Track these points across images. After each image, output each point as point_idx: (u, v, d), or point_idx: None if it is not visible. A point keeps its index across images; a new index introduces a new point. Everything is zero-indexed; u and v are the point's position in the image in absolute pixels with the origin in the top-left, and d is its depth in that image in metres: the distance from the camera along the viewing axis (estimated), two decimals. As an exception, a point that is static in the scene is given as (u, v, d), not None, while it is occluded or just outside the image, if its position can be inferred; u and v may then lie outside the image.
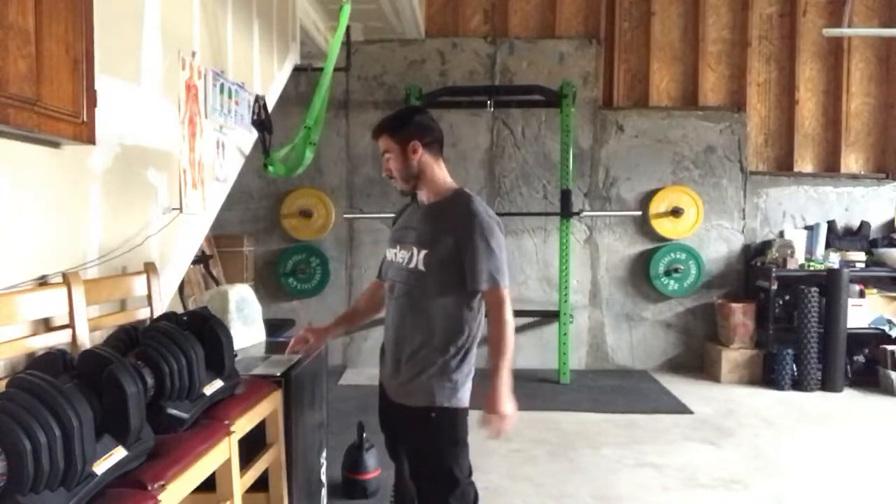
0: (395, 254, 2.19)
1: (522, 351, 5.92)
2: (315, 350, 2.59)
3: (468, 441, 2.14)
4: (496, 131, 6.20)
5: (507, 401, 2.02)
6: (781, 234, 6.13)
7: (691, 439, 4.25)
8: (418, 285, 2.09)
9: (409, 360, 2.10)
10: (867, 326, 5.62)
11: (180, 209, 2.75)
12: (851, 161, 6.29)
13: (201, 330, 2.01)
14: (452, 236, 2.06)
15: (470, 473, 2.14)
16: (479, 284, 2.04)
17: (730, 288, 6.17)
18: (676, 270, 6.08)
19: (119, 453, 1.49)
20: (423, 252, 2.08)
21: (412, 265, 2.10)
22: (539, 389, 5.33)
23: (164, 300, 2.61)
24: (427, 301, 2.08)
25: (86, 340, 2.02)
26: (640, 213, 6.11)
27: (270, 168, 3.72)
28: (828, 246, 5.93)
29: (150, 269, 2.46)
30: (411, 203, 2.29)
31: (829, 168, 6.29)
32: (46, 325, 1.98)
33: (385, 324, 2.22)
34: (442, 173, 2.18)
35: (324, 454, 3.01)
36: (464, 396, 2.09)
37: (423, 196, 2.19)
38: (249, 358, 2.63)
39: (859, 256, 5.78)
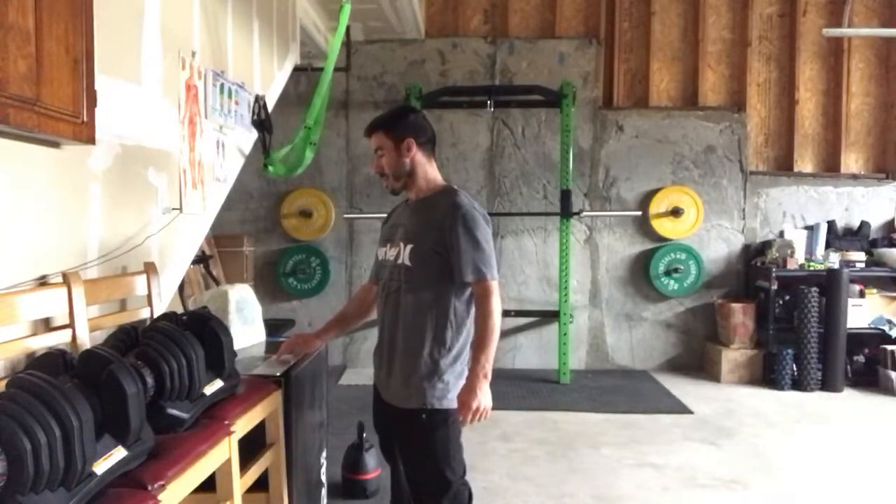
0: (385, 252, 2.19)
1: (522, 351, 5.89)
2: (303, 353, 2.60)
3: (461, 441, 2.13)
4: (496, 131, 6.20)
5: (481, 394, 1.99)
6: (781, 234, 6.13)
7: (691, 439, 4.26)
8: (406, 281, 2.09)
9: (400, 361, 2.10)
10: (867, 326, 5.62)
11: (180, 209, 2.75)
12: (851, 161, 6.29)
13: (201, 330, 2.00)
14: (437, 229, 2.06)
15: (464, 474, 2.13)
16: (465, 276, 2.03)
17: (730, 288, 6.18)
18: (676, 270, 6.08)
19: (119, 453, 1.49)
20: (409, 247, 2.09)
21: (399, 261, 2.11)
22: (539, 389, 5.31)
23: (164, 300, 2.61)
24: (415, 297, 2.08)
25: (86, 340, 2.02)
26: (640, 213, 6.11)
27: (270, 168, 3.72)
28: (828, 246, 5.94)
29: (150, 269, 2.46)
30: (402, 202, 2.30)
31: (829, 168, 6.29)
32: (46, 325, 1.98)
33: (378, 325, 2.22)
34: (433, 172, 2.19)
35: (324, 454, 3.00)
36: (455, 397, 2.06)
37: (413, 194, 2.20)
38: (249, 358, 2.63)
39: (859, 256, 5.78)
